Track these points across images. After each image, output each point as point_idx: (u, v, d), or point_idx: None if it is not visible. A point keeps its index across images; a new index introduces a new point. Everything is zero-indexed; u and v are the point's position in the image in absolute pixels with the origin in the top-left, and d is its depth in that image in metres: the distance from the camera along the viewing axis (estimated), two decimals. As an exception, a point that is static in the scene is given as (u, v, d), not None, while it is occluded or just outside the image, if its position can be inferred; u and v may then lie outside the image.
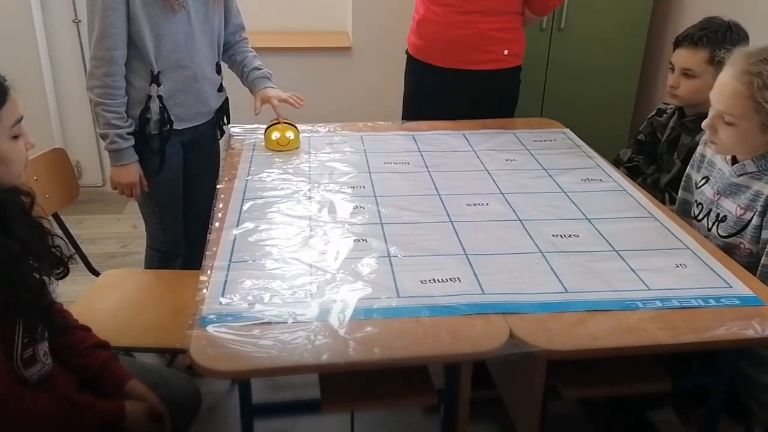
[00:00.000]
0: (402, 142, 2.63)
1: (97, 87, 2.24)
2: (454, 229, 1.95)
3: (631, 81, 3.87)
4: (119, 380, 1.66)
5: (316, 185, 2.21)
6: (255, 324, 1.50)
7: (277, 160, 2.41)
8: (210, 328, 1.47)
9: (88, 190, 4.00)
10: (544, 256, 1.81)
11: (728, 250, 1.91)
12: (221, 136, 2.69)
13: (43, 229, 1.54)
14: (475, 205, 2.11)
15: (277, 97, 2.55)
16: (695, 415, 1.94)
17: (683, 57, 2.30)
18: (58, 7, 3.78)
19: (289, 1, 4.12)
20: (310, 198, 2.12)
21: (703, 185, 2.05)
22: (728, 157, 1.96)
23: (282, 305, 1.57)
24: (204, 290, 1.62)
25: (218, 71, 2.52)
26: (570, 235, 1.92)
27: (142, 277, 2.52)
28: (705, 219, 2.01)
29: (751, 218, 1.85)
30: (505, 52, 2.83)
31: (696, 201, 2.08)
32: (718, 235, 1.94)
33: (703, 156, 2.10)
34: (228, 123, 2.68)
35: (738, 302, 1.62)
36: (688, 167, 2.18)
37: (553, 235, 1.92)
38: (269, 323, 1.50)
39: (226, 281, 1.66)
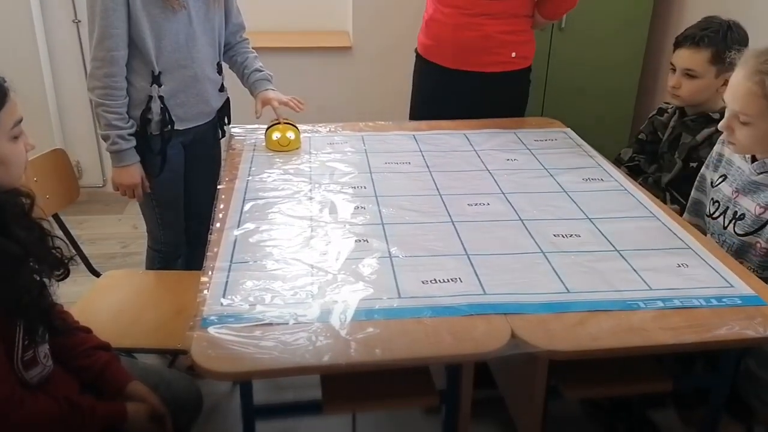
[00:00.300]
0: (403, 142, 2.63)
1: (98, 88, 2.23)
2: (456, 229, 1.95)
3: (632, 80, 3.87)
4: (120, 382, 1.66)
5: (317, 185, 2.21)
6: (256, 325, 1.49)
7: (277, 160, 2.41)
8: (211, 330, 1.47)
9: (89, 190, 4.01)
10: (545, 256, 1.81)
11: (743, 248, 1.91)
12: (222, 137, 2.69)
13: (43, 230, 1.53)
14: (476, 205, 2.10)
15: (277, 99, 2.55)
16: (697, 415, 1.94)
17: (684, 57, 2.30)
18: (58, 7, 3.77)
19: (289, 1, 4.12)
20: (311, 198, 2.12)
21: (720, 183, 2.04)
22: (748, 155, 1.96)
23: (283, 306, 1.56)
24: (205, 291, 1.61)
25: (219, 71, 2.52)
26: (571, 235, 1.92)
27: (143, 278, 2.53)
28: (721, 217, 2.00)
29: None
30: (513, 54, 2.82)
31: (712, 199, 2.07)
32: (735, 233, 1.94)
33: (720, 155, 2.09)
34: (229, 123, 2.68)
35: (740, 302, 1.62)
36: (703, 167, 2.17)
37: (554, 235, 1.92)
38: (270, 324, 1.50)
39: (227, 282, 1.65)
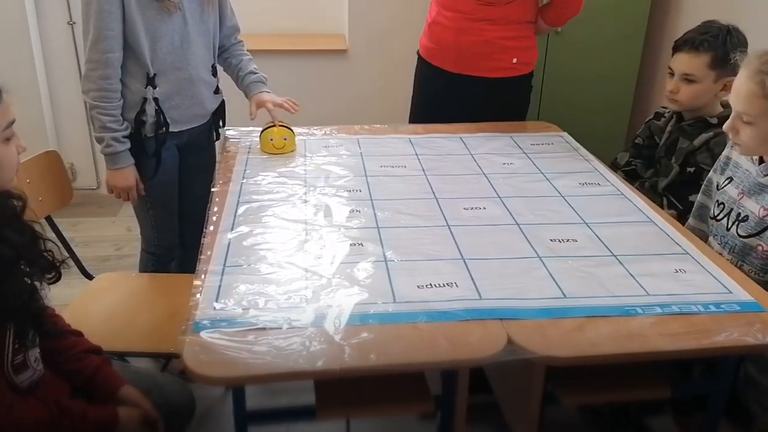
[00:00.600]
0: (399, 146, 2.61)
1: (93, 90, 2.22)
2: (452, 233, 1.93)
3: (628, 85, 3.87)
4: (112, 386, 1.64)
5: (311, 188, 2.19)
6: (249, 329, 1.47)
7: (272, 163, 2.39)
8: (203, 334, 1.45)
9: (83, 192, 4.00)
10: (542, 260, 1.80)
11: (745, 251, 1.90)
12: (217, 139, 2.67)
13: (35, 233, 1.52)
14: (472, 209, 2.09)
15: (272, 101, 2.54)
16: (694, 421, 1.92)
17: (683, 62, 2.29)
18: (52, 9, 3.75)
19: (285, 3, 4.11)
20: (305, 201, 2.10)
21: (726, 185, 2.04)
22: (756, 157, 1.95)
23: (277, 310, 1.55)
24: (198, 295, 1.59)
25: (214, 73, 2.50)
26: (568, 240, 1.91)
27: (136, 281, 2.51)
28: (725, 218, 1.99)
29: None
30: (514, 60, 2.82)
31: (717, 201, 2.06)
32: (737, 234, 1.93)
33: (728, 158, 2.08)
34: (224, 126, 2.67)
35: (738, 308, 1.61)
36: (711, 172, 2.16)
37: (551, 240, 1.90)
38: (264, 329, 1.48)
39: (220, 286, 1.64)
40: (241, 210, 2.03)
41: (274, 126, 2.49)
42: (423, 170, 2.37)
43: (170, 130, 2.37)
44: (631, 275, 1.74)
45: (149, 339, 2.09)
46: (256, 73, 2.61)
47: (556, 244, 1.88)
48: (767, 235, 1.85)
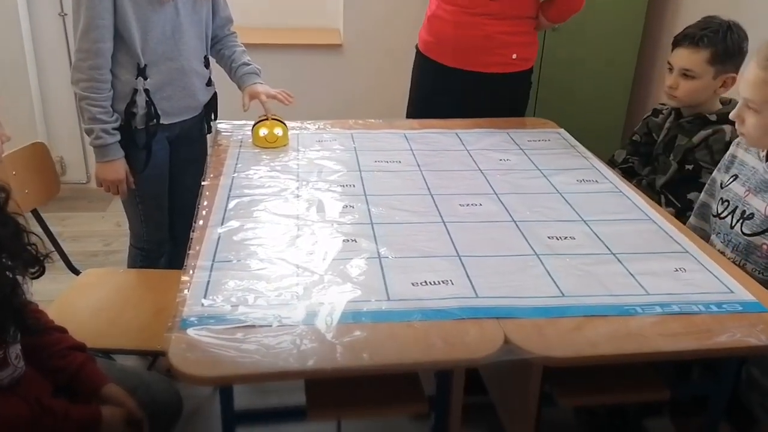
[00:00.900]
0: (393, 141, 2.58)
1: (83, 80, 2.18)
2: (447, 229, 1.90)
3: (625, 81, 3.86)
4: (95, 384, 1.60)
5: (304, 183, 2.15)
6: (238, 327, 1.43)
7: (264, 157, 2.35)
8: (190, 331, 1.41)
9: (72, 186, 3.98)
10: (539, 258, 1.76)
11: (749, 249, 1.87)
12: (209, 132, 2.63)
13: (19, 225, 1.47)
14: (468, 205, 2.06)
15: (265, 93, 2.50)
16: (693, 423, 1.90)
17: (683, 57, 2.26)
18: (43, -1, 3.71)
19: (279, -3, 4.08)
20: (298, 196, 2.06)
21: (731, 183, 2.01)
22: (762, 155, 1.92)
23: (267, 307, 1.50)
24: (185, 291, 1.55)
25: (207, 65, 2.47)
26: (566, 237, 1.87)
27: (124, 277, 2.46)
28: (729, 216, 1.96)
29: None
30: (514, 56, 2.80)
31: (721, 198, 2.03)
32: (742, 232, 1.90)
33: (733, 156, 2.05)
34: (216, 119, 2.63)
35: (740, 308, 1.57)
36: (715, 171, 2.13)
37: (548, 237, 1.87)
38: (253, 326, 1.44)
39: (208, 282, 1.59)
40: (231, 204, 1.99)
41: (266, 119, 2.45)
42: (418, 166, 2.34)
43: (161, 122, 2.33)
44: (631, 274, 1.70)
45: (136, 336, 2.05)
46: (249, 65, 2.57)
47: (554, 242, 1.85)
48: None
